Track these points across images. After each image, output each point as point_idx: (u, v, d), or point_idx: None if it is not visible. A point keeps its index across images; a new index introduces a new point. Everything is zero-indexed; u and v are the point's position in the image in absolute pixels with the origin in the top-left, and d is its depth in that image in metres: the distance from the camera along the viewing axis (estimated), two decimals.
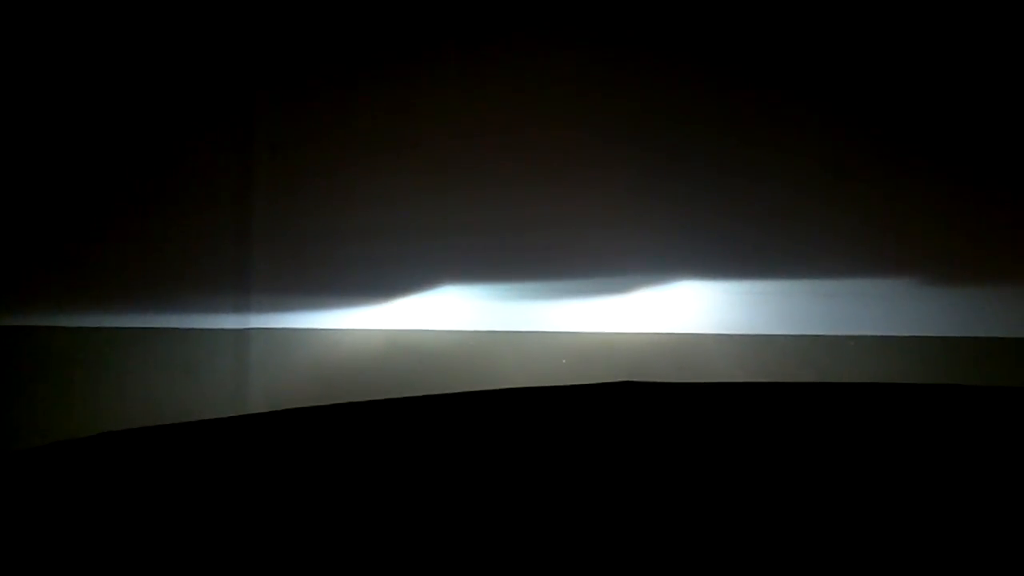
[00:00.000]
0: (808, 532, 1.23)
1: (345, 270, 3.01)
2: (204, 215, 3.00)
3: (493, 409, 1.79)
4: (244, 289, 3.01)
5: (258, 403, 2.99)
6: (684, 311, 2.95)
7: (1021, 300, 2.86)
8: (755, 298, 2.93)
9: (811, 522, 1.26)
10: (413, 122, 2.97)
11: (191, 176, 3.00)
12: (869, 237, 2.90)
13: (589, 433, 1.61)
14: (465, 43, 2.95)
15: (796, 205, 2.89)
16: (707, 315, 2.94)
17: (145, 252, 3.00)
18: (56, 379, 3.00)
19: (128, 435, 1.69)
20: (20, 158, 2.96)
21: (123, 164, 3.00)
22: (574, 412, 1.73)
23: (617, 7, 2.91)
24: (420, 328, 3.01)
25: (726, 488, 1.36)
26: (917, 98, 2.84)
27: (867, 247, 2.90)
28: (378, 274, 3.00)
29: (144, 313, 3.01)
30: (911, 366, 2.86)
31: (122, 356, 3.01)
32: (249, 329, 3.02)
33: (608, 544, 1.21)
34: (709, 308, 2.94)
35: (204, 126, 2.99)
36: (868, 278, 2.91)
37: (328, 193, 2.99)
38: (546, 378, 2.92)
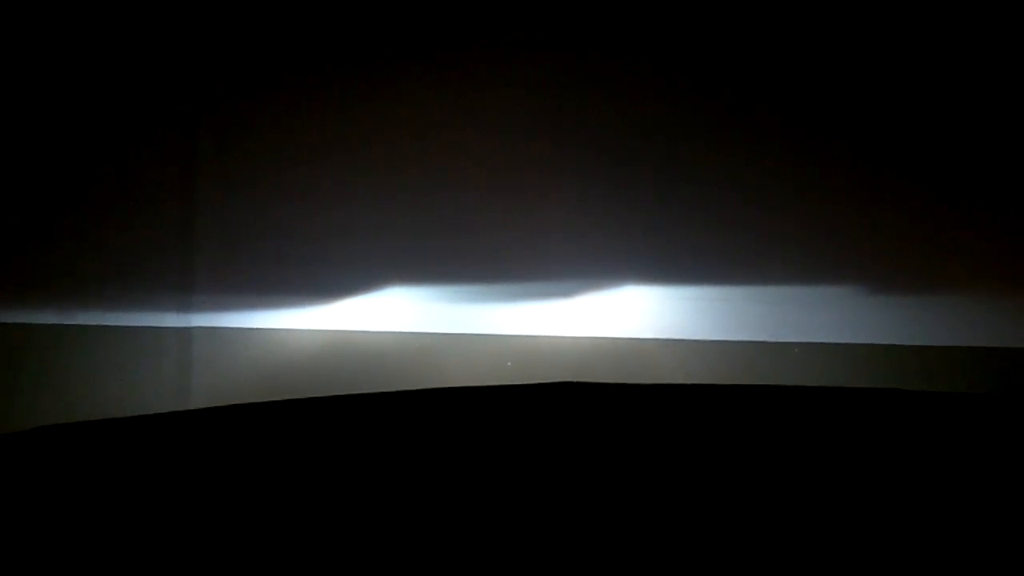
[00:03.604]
0: (740, 532, 1.24)
1: (290, 270, 2.99)
2: (148, 212, 2.97)
3: (434, 407, 1.79)
4: (187, 288, 2.98)
5: (200, 402, 2.96)
6: (629, 315, 2.96)
7: (964, 308, 2.88)
8: (700, 304, 2.94)
9: (744, 522, 1.27)
10: (361, 122, 2.96)
11: (135, 173, 2.97)
12: (814, 244, 2.91)
13: (528, 430, 1.61)
14: (416, 45, 2.94)
15: (741, 211, 2.90)
16: (652, 320, 2.95)
17: (88, 249, 2.97)
18: None
19: (62, 429, 1.67)
20: None
21: (66, 161, 2.97)
22: (513, 410, 1.73)
23: (569, 12, 2.92)
24: (365, 329, 3.00)
25: (663, 486, 1.37)
26: (863, 105, 2.86)
27: (812, 254, 2.92)
28: (323, 274, 2.99)
29: (87, 310, 2.98)
30: (855, 373, 2.88)
31: (64, 353, 2.97)
32: (192, 328, 2.99)
33: (541, 542, 1.21)
34: (654, 313, 2.95)
35: (149, 123, 2.97)
36: (813, 285, 2.92)
37: (273, 192, 2.97)
38: (491, 381, 2.88)
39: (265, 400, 1.86)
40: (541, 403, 1.77)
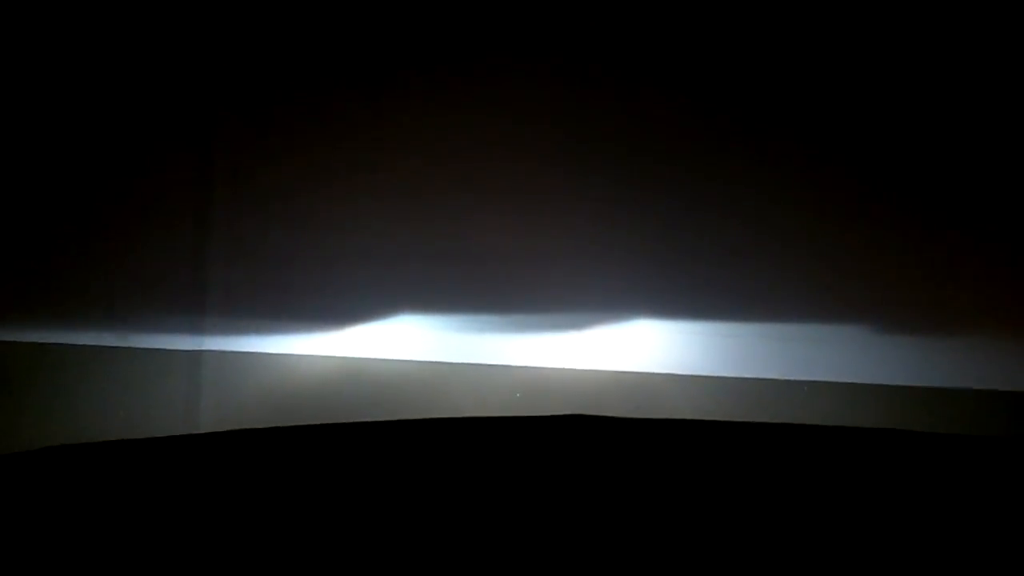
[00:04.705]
0: (746, 571, 1.23)
1: (302, 295, 3.00)
2: (161, 235, 2.99)
3: (441, 437, 1.79)
4: (199, 311, 2.99)
5: (209, 425, 2.96)
6: (640, 350, 2.95)
7: (974, 351, 2.87)
8: (710, 339, 2.93)
9: (751, 561, 1.26)
10: (375, 149, 2.98)
11: (150, 196, 2.99)
12: (826, 282, 2.91)
13: (536, 463, 1.60)
14: (429, 71, 2.96)
15: (754, 247, 2.90)
16: (663, 354, 2.95)
17: (100, 270, 2.99)
18: (5, 395, 2.97)
19: (69, 450, 1.68)
20: None
21: (81, 183, 2.98)
22: (522, 442, 1.73)
23: (583, 41, 2.93)
24: (375, 357, 3.00)
25: (671, 523, 1.36)
26: (878, 143, 2.86)
27: (823, 292, 2.91)
28: (335, 301, 3.00)
29: (97, 331, 2.99)
30: (865, 413, 2.87)
31: (74, 373, 2.98)
32: (203, 351, 3.00)
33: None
34: (665, 348, 2.95)
35: (164, 146, 2.99)
36: (823, 323, 2.92)
37: (287, 218, 2.98)
38: (500, 411, 2.91)
39: (273, 424, 1.86)
40: (550, 435, 1.76)
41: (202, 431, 2.90)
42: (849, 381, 2.91)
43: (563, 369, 2.98)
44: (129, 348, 2.98)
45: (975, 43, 2.81)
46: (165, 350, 2.99)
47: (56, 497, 1.47)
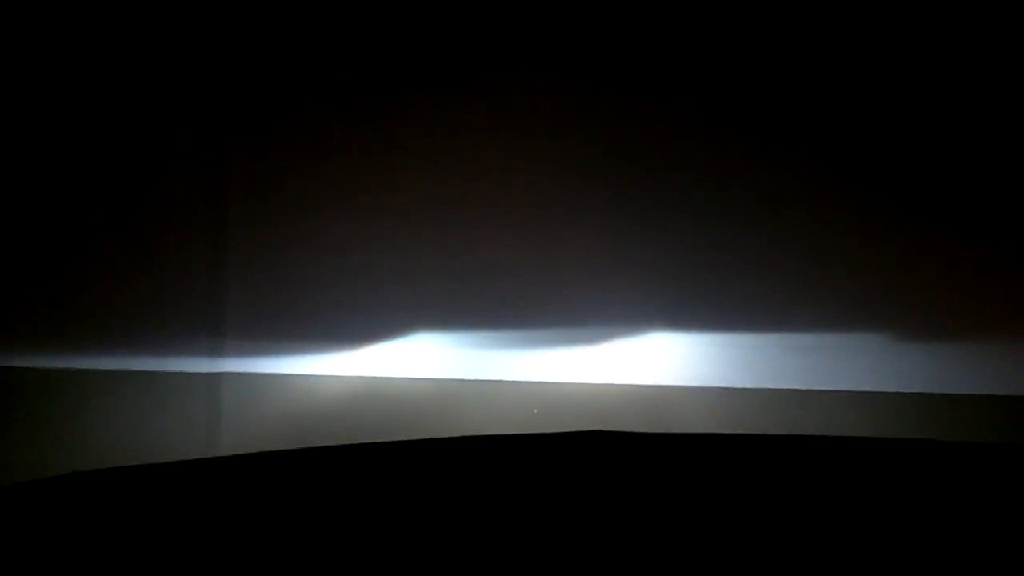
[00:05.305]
0: None
1: (318, 316, 3.01)
2: (179, 258, 3.00)
3: (462, 456, 1.79)
4: (218, 333, 3.00)
5: (229, 448, 2.97)
6: (657, 363, 2.95)
7: (995, 357, 2.85)
8: (728, 351, 2.93)
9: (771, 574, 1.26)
10: (390, 168, 2.99)
11: (166, 219, 3.01)
12: (843, 292, 2.89)
13: (557, 481, 1.60)
14: (441, 88, 2.97)
15: (769, 258, 2.90)
16: (680, 367, 2.94)
17: (119, 294, 3.00)
18: (30, 420, 2.99)
19: (97, 475, 1.69)
20: None
21: (98, 206, 3.00)
22: (543, 460, 1.73)
23: (595, 55, 2.94)
24: (393, 376, 3.00)
25: (695, 538, 1.36)
26: (895, 154, 2.85)
27: (841, 302, 2.90)
28: (351, 320, 3.00)
29: (117, 355, 3.00)
30: (885, 422, 2.86)
31: (95, 398, 3.00)
32: (222, 373, 3.01)
33: None
34: (682, 360, 2.94)
35: (180, 169, 3.01)
36: (842, 333, 2.90)
37: (303, 238, 3.00)
38: (517, 428, 2.91)
39: (293, 445, 1.87)
40: (570, 452, 1.76)
41: (223, 453, 2.91)
42: (869, 390, 2.89)
43: (580, 384, 2.98)
44: (148, 372, 3.00)
45: (985, 52, 2.81)
46: (184, 373, 3.00)
47: (85, 522, 1.48)
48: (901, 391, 2.88)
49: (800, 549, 1.33)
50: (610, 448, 1.79)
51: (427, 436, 1.89)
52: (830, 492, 1.57)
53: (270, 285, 3.01)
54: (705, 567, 1.27)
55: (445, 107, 2.99)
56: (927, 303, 2.88)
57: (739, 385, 2.93)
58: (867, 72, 2.85)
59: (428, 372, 3.00)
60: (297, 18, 2.98)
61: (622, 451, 1.78)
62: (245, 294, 3.01)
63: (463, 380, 3.00)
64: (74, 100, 2.99)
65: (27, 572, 1.28)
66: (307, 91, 3.00)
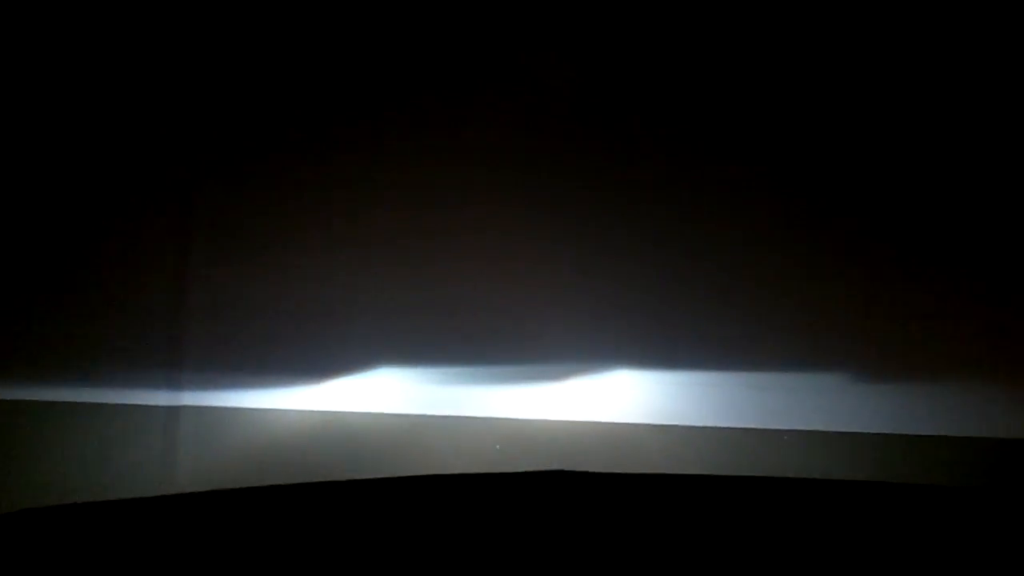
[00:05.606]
0: None
1: (279, 349, 2.99)
2: (137, 289, 2.98)
3: (421, 496, 1.78)
4: (176, 366, 2.97)
5: (186, 482, 2.93)
6: (619, 400, 2.95)
7: (951, 398, 2.87)
8: (689, 389, 2.93)
9: None
10: (352, 201, 2.99)
11: (125, 250, 2.99)
12: (804, 331, 2.92)
13: (518, 523, 1.60)
14: (404, 120, 2.98)
15: (734, 297, 2.91)
16: (641, 405, 2.94)
17: (76, 325, 2.97)
18: None
19: (48, 512, 1.66)
20: None
21: (56, 236, 2.97)
22: (504, 500, 1.72)
23: (562, 89, 2.95)
24: (354, 410, 2.98)
25: None
26: (859, 192, 2.89)
27: (802, 341, 2.92)
28: (313, 354, 2.98)
29: (73, 387, 2.96)
30: (845, 462, 2.87)
31: (49, 430, 2.95)
32: (180, 407, 2.97)
33: None
34: (644, 398, 2.95)
35: (140, 199, 2.99)
36: (804, 372, 2.92)
37: (264, 271, 2.98)
38: (479, 464, 2.90)
39: (251, 480, 1.85)
40: (532, 493, 1.76)
41: (180, 486, 2.88)
42: (831, 429, 2.90)
43: (542, 420, 2.97)
44: (105, 404, 2.96)
45: (968, 93, 2.85)
46: (142, 405, 2.97)
47: (33, 565, 1.45)
48: (861, 431, 2.89)
49: None
50: (571, 489, 1.78)
51: (389, 472, 1.88)
52: (789, 534, 1.57)
53: (230, 317, 2.98)
54: None
55: (408, 140, 2.99)
56: (887, 343, 2.91)
57: (700, 423, 2.94)
58: (831, 109, 2.89)
59: (390, 407, 2.99)
60: (259, 51, 2.98)
61: (583, 492, 1.78)
62: (205, 326, 2.99)
63: (425, 415, 2.98)
64: (35, 130, 2.97)
65: None
66: (270, 124, 2.99)
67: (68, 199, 2.98)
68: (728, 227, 2.92)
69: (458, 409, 2.98)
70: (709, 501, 1.77)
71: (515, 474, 1.82)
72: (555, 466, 1.84)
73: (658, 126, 2.94)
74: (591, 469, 1.87)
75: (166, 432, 2.96)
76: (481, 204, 2.98)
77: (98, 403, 2.96)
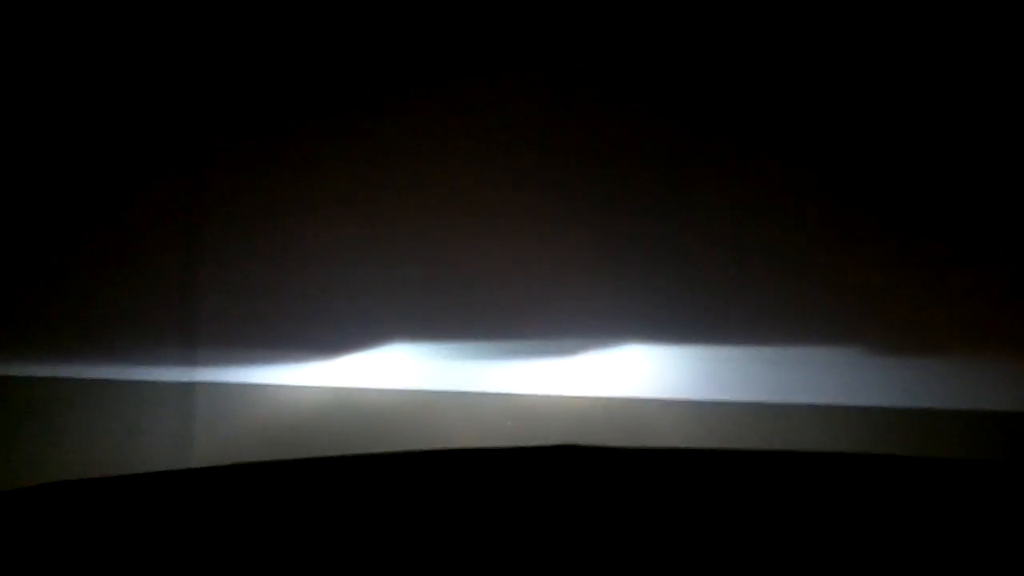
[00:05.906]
0: None
1: (293, 325, 2.99)
2: (152, 266, 2.98)
3: (434, 470, 1.79)
4: (191, 342, 2.98)
5: (202, 458, 2.95)
6: (631, 375, 2.95)
7: (970, 371, 2.86)
8: (702, 363, 2.93)
9: None
10: (367, 177, 2.98)
11: (139, 226, 2.99)
12: (818, 304, 2.90)
13: (529, 497, 1.61)
14: (419, 96, 2.96)
15: (744, 271, 2.90)
16: (653, 379, 2.94)
17: (90, 302, 2.98)
18: None
19: (68, 486, 1.67)
20: None
21: (68, 212, 2.98)
22: (514, 474, 1.73)
23: (579, 65, 2.94)
24: (367, 386, 2.99)
25: (667, 556, 1.36)
26: (871, 169, 2.87)
27: (816, 314, 2.91)
28: (327, 330, 2.99)
29: (87, 364, 2.98)
30: (858, 435, 2.87)
31: (64, 407, 2.98)
32: (195, 383, 2.99)
33: None
34: (655, 372, 2.94)
35: (153, 175, 2.99)
36: (815, 346, 2.92)
37: (278, 247, 2.99)
38: (491, 439, 2.91)
39: (267, 455, 1.86)
40: (542, 467, 1.76)
41: (195, 463, 2.90)
42: (843, 403, 2.90)
43: (554, 396, 2.98)
44: (120, 381, 2.98)
45: (962, 68, 2.83)
46: (156, 382, 2.98)
47: (55, 534, 1.47)
48: (876, 405, 2.89)
49: (774, 566, 1.33)
50: (582, 463, 1.79)
51: (401, 447, 1.89)
52: (805, 508, 1.58)
53: (245, 294, 2.99)
54: None
55: (423, 115, 2.98)
56: (903, 316, 2.90)
57: (712, 398, 2.94)
58: (843, 84, 2.87)
59: (402, 383, 3.00)
60: (271, 26, 2.97)
61: (594, 466, 1.78)
62: (220, 302, 2.99)
63: (438, 391, 2.99)
64: (45, 108, 2.97)
65: None
66: (283, 99, 2.98)
67: (80, 175, 2.98)
68: (741, 200, 2.91)
69: (469, 385, 2.99)
70: (722, 476, 1.77)
71: (526, 448, 1.83)
72: (567, 441, 1.85)
73: (675, 101, 2.93)
74: (603, 444, 1.87)
75: (181, 409, 2.98)
76: (493, 181, 2.97)
77: (112, 380, 2.98)
